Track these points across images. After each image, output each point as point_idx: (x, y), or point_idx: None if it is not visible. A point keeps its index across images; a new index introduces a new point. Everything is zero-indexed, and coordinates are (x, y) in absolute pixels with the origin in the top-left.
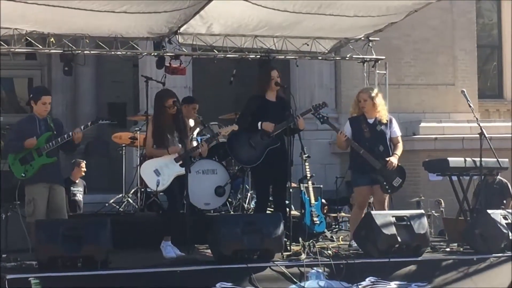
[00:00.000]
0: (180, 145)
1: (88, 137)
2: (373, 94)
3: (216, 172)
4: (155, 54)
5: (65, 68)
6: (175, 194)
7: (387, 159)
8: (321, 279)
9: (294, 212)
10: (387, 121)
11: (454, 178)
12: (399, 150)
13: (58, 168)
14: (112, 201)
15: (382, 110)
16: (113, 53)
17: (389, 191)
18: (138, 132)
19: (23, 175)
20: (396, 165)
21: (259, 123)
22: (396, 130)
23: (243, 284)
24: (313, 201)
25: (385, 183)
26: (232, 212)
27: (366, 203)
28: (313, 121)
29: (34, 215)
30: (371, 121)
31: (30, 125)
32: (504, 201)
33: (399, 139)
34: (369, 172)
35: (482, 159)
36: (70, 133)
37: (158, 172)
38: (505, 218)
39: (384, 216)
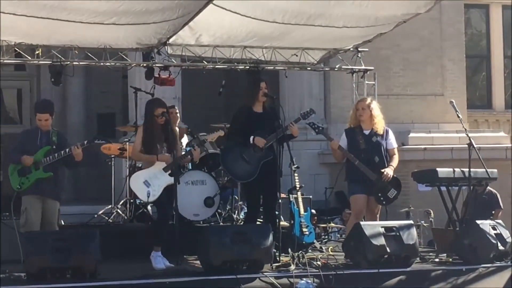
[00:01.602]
0: (169, 155)
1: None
2: (371, 104)
3: (205, 183)
4: (144, 65)
5: (52, 79)
6: (164, 204)
7: (382, 170)
8: None
9: (283, 223)
10: (383, 132)
11: (443, 188)
12: (395, 162)
13: (55, 183)
14: (101, 212)
15: (378, 122)
16: (102, 64)
17: (383, 202)
18: (127, 143)
19: (19, 187)
20: (391, 176)
21: (251, 138)
22: (392, 141)
23: None
24: (302, 211)
25: (379, 194)
26: (221, 223)
27: (363, 212)
28: (303, 131)
29: (26, 225)
30: (367, 132)
31: (31, 137)
32: (493, 212)
33: (395, 151)
34: (364, 182)
35: (471, 169)
36: (70, 148)
37: (148, 183)
38: (494, 228)
39: (373, 226)
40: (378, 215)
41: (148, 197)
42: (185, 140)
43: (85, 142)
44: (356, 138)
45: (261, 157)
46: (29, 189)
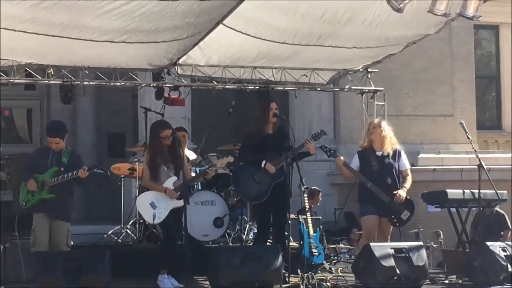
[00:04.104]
0: (176, 177)
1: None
2: (381, 124)
3: (214, 203)
4: (154, 85)
5: (62, 99)
6: (170, 227)
7: (395, 192)
8: None
9: (292, 244)
10: (395, 153)
11: (453, 209)
12: (407, 183)
13: (62, 203)
14: (110, 232)
15: (390, 143)
16: (112, 84)
17: (397, 224)
18: (137, 163)
19: (24, 204)
20: (404, 198)
21: (263, 163)
22: (405, 162)
23: None
24: (311, 232)
25: (393, 216)
26: (231, 244)
27: (374, 233)
28: None
29: (35, 245)
30: (379, 154)
31: (42, 157)
32: (502, 233)
33: (408, 172)
34: (376, 204)
35: (481, 191)
36: (78, 171)
37: (154, 205)
38: (504, 250)
39: (383, 248)
40: (389, 237)
41: (154, 219)
42: (190, 154)
43: (86, 168)
44: (369, 160)
45: (272, 178)
46: (34, 207)
